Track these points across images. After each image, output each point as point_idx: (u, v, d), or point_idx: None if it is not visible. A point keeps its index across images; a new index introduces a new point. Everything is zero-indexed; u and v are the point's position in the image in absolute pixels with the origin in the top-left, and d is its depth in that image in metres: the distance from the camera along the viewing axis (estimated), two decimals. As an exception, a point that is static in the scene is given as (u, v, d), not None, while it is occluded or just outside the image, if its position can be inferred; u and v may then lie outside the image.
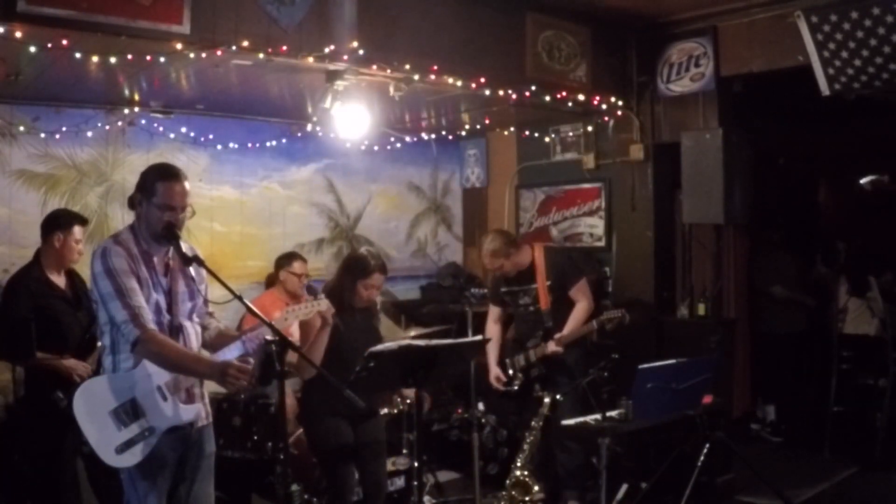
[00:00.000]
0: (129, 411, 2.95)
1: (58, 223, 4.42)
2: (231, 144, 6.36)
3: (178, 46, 3.99)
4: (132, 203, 3.12)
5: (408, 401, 4.76)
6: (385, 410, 4.77)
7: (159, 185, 3.04)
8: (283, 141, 6.61)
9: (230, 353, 3.19)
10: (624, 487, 4.60)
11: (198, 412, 3.15)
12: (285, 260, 5.88)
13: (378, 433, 4.17)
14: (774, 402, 6.71)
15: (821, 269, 6.77)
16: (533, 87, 5.38)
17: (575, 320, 5.01)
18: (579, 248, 6.74)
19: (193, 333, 3.19)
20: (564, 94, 5.59)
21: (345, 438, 4.00)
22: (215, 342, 3.29)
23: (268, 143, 6.55)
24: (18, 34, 3.68)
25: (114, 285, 2.92)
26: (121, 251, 2.99)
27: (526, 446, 4.69)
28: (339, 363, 3.77)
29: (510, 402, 5.54)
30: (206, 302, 3.30)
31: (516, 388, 5.21)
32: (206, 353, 3.26)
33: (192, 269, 3.16)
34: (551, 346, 4.96)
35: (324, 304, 3.53)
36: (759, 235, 6.75)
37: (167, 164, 3.26)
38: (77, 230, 4.43)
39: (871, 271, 6.33)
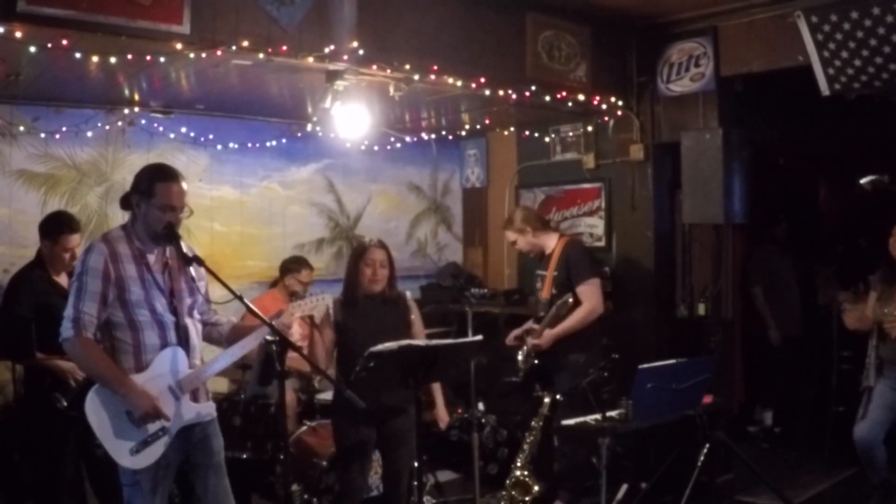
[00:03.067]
0: None
1: (47, 232, 4.37)
2: (231, 144, 6.36)
3: (178, 46, 3.99)
4: (126, 203, 3.12)
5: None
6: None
7: (158, 185, 3.05)
8: (283, 141, 6.61)
9: (250, 345, 3.20)
10: (624, 487, 4.60)
11: (207, 408, 3.17)
12: (295, 265, 5.87)
13: (404, 427, 4.11)
14: (772, 405, 6.66)
15: (822, 271, 6.71)
16: (533, 87, 5.37)
17: (567, 321, 4.93)
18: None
19: (194, 331, 3.20)
20: (564, 94, 5.59)
21: (358, 439, 4.04)
22: (231, 336, 3.31)
23: (268, 143, 6.55)
24: (18, 34, 3.68)
25: (78, 284, 2.97)
26: (104, 250, 2.99)
27: (526, 446, 4.69)
28: (350, 356, 3.83)
29: (511, 401, 5.54)
30: (207, 300, 3.31)
31: (520, 378, 5.22)
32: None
33: (191, 269, 3.17)
34: (532, 341, 4.97)
35: (328, 299, 3.56)
36: (761, 232, 6.70)
37: (163, 165, 3.27)
38: (66, 239, 4.32)
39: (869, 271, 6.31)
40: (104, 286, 2.95)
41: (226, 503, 3.22)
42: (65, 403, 3.97)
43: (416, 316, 4.29)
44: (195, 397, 3.13)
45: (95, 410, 2.93)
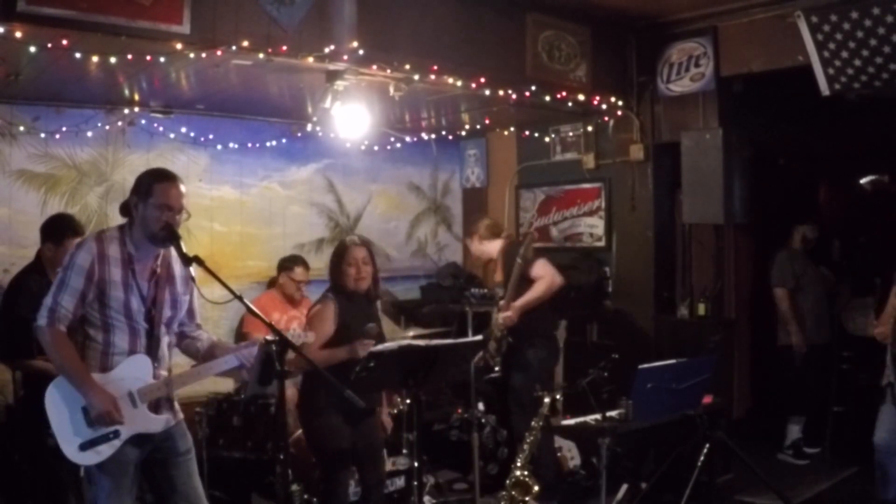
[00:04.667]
0: None
1: (51, 234, 4.36)
2: (231, 144, 6.36)
3: (178, 46, 3.99)
4: (125, 209, 3.13)
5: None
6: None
7: (156, 185, 3.07)
8: (283, 141, 6.61)
9: (222, 366, 3.20)
10: (624, 487, 4.60)
11: (165, 420, 3.14)
12: (288, 263, 5.86)
13: (376, 432, 4.18)
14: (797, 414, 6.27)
15: (823, 272, 6.64)
16: (533, 87, 5.38)
17: (530, 292, 5.07)
18: (579, 247, 6.75)
19: (166, 344, 3.20)
20: (564, 94, 5.59)
21: (343, 441, 4.01)
22: (207, 354, 3.29)
23: (268, 143, 6.55)
24: (18, 34, 3.68)
25: (62, 276, 3.01)
26: (93, 249, 3.01)
27: (526, 446, 4.69)
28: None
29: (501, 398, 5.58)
30: (191, 314, 3.31)
31: (497, 372, 5.36)
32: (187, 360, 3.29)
33: (178, 280, 3.19)
34: (502, 315, 5.05)
35: (310, 337, 3.56)
36: (792, 230, 6.34)
37: (163, 168, 3.30)
38: (72, 243, 4.16)
39: (874, 271, 6.25)
40: (86, 285, 2.98)
41: (195, 498, 3.20)
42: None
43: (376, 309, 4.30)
44: (156, 409, 3.11)
45: (54, 401, 2.98)
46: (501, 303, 5.12)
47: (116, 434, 2.98)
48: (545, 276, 5.12)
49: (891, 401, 4.48)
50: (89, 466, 3.01)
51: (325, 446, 4.06)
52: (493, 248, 5.39)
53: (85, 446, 2.95)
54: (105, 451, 2.97)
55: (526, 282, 5.10)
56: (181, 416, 3.26)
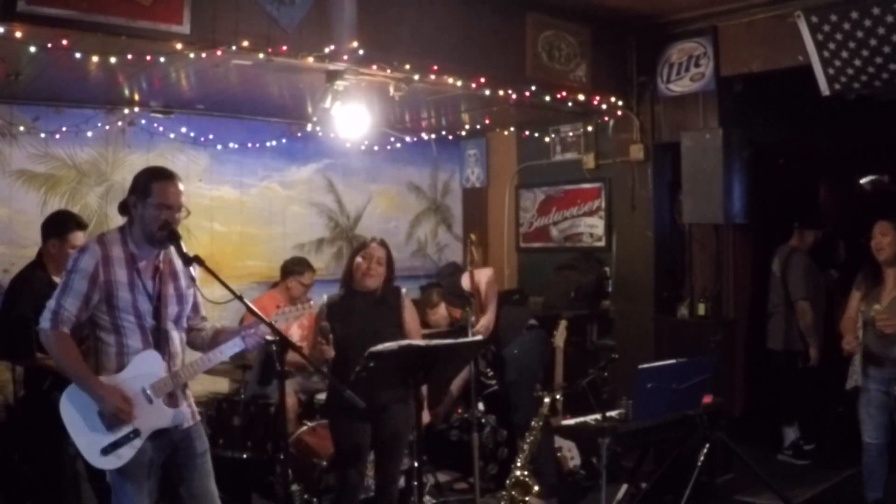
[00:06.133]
0: None
1: (54, 229, 4.36)
2: (231, 144, 6.36)
3: (178, 46, 3.99)
4: (124, 208, 3.13)
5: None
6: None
7: (154, 184, 3.06)
8: (283, 141, 6.62)
9: (229, 350, 3.19)
10: (624, 487, 4.60)
11: (182, 415, 3.14)
12: (298, 266, 5.87)
13: (397, 428, 4.10)
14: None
15: (832, 274, 6.60)
16: (533, 87, 5.37)
17: (485, 300, 5.55)
18: (579, 247, 6.75)
19: (178, 339, 3.19)
20: (564, 94, 5.58)
21: (358, 440, 4.04)
22: (212, 340, 3.28)
23: (268, 143, 6.55)
24: (18, 34, 3.68)
25: (66, 280, 2.99)
26: (97, 252, 3.01)
27: (526, 446, 4.69)
28: (343, 355, 3.86)
29: (501, 402, 5.60)
30: (195, 308, 3.31)
31: (495, 382, 5.55)
32: (199, 355, 3.26)
33: (181, 275, 3.19)
34: (476, 330, 5.25)
35: (315, 308, 3.56)
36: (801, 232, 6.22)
37: (161, 166, 3.30)
38: (75, 236, 4.31)
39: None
40: (90, 288, 2.97)
41: (209, 500, 3.19)
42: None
43: (409, 314, 4.24)
44: (173, 403, 3.11)
45: (69, 409, 2.97)
46: (473, 320, 5.30)
47: (136, 433, 2.98)
48: (482, 278, 5.54)
49: (865, 402, 4.48)
50: (112, 471, 2.99)
51: (336, 442, 4.13)
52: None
53: (107, 450, 2.94)
54: (127, 453, 2.96)
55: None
56: (198, 417, 3.26)
